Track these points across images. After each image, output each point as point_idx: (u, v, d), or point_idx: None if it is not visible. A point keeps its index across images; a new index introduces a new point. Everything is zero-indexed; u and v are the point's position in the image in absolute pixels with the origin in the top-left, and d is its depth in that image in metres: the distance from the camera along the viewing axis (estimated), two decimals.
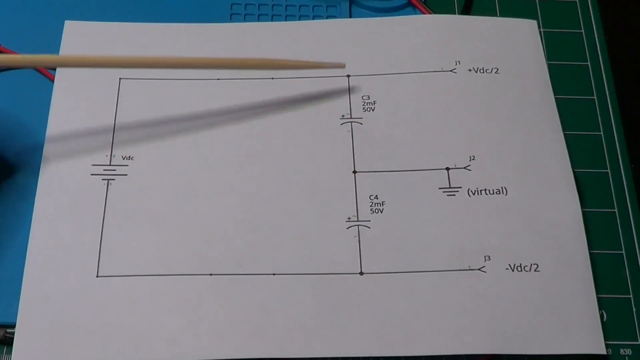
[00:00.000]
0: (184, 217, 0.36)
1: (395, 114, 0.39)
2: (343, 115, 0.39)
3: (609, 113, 0.41)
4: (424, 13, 0.43)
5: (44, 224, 0.36)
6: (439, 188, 0.37)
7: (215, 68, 0.39)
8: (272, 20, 0.43)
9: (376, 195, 0.37)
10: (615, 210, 0.39)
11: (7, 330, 0.34)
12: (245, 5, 0.44)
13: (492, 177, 0.37)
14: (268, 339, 0.33)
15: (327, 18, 0.43)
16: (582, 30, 0.44)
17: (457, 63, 0.41)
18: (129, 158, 0.38)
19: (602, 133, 0.41)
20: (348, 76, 0.40)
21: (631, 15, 0.46)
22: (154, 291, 0.34)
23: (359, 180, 0.37)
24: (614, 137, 0.41)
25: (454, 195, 0.37)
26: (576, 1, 0.45)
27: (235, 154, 0.38)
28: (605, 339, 0.34)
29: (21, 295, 0.34)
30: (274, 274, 0.35)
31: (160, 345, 0.33)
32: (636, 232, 0.38)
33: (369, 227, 0.36)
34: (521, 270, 0.35)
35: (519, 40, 0.42)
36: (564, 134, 0.39)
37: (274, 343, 0.33)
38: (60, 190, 0.37)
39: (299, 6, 0.44)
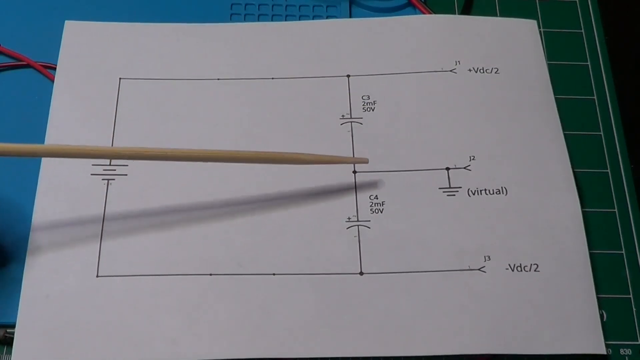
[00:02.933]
0: (184, 217, 0.36)
1: (395, 114, 0.39)
2: (343, 115, 0.39)
3: (609, 113, 0.41)
4: (424, 13, 0.43)
5: (44, 224, 0.36)
6: (439, 188, 0.37)
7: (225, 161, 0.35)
8: (272, 20, 0.43)
9: (376, 195, 0.37)
10: (615, 210, 0.39)
11: (7, 330, 0.34)
12: (245, 5, 0.44)
13: (492, 177, 0.37)
14: (268, 339, 0.33)
15: (327, 18, 0.43)
16: (582, 30, 0.44)
17: (457, 63, 0.41)
18: None
19: (602, 133, 0.41)
20: (348, 76, 0.40)
21: (631, 15, 0.46)
22: (154, 291, 0.34)
23: (359, 180, 0.37)
24: (614, 137, 0.41)
25: (454, 195, 0.37)
26: (576, 1, 0.45)
27: None
28: (605, 339, 0.34)
29: (21, 295, 0.34)
30: (274, 274, 0.35)
31: (160, 345, 0.33)
32: (636, 232, 0.38)
33: (369, 227, 0.36)
34: (521, 270, 0.35)
35: (519, 40, 0.42)
36: (564, 134, 0.39)
37: (273, 343, 0.33)
38: (60, 190, 0.37)
39: (299, 6, 0.44)
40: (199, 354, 0.33)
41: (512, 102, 0.39)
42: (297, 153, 0.36)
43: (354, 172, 0.38)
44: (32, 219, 0.36)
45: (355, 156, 0.38)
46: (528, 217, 0.36)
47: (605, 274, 0.37)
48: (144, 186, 0.37)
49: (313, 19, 0.43)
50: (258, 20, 0.43)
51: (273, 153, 0.36)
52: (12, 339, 0.33)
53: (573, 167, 0.38)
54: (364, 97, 0.40)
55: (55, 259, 0.35)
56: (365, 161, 0.37)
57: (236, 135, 0.38)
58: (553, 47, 0.43)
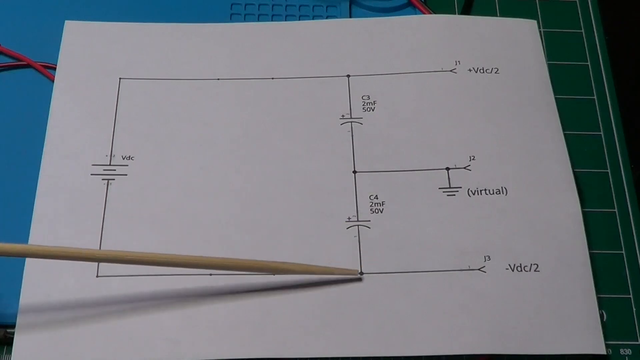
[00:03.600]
0: (184, 217, 0.36)
1: (395, 114, 0.39)
2: (343, 115, 0.39)
3: (609, 113, 0.41)
4: (424, 13, 0.43)
5: (44, 224, 0.36)
6: (439, 188, 0.37)
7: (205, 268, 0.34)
8: (272, 20, 0.43)
9: (376, 195, 0.37)
10: (615, 210, 0.39)
11: (7, 330, 0.34)
12: (245, 5, 0.44)
13: (492, 177, 0.37)
14: (268, 339, 0.33)
15: (327, 18, 0.43)
16: (582, 30, 0.44)
17: (457, 63, 0.41)
18: (129, 158, 0.38)
19: (602, 133, 0.41)
20: (348, 76, 0.40)
21: (631, 15, 0.46)
22: (154, 291, 0.34)
23: (359, 180, 0.37)
24: (614, 137, 0.41)
25: (454, 195, 0.37)
26: (576, 1, 0.45)
27: (235, 154, 0.38)
28: (605, 339, 0.34)
29: (21, 295, 0.34)
30: (273, 274, 0.35)
31: (160, 345, 0.33)
32: (636, 232, 0.38)
33: (369, 227, 0.36)
34: (521, 270, 0.35)
35: (519, 40, 0.42)
36: (564, 134, 0.39)
37: (273, 343, 0.33)
38: (60, 190, 0.37)
39: (299, 6, 0.44)
40: (199, 354, 0.33)
41: (512, 102, 0.39)
42: (285, 263, 0.34)
43: (354, 172, 0.38)
44: (32, 219, 0.36)
45: (355, 156, 0.38)
46: (528, 217, 0.36)
47: (605, 274, 0.37)
48: (144, 186, 0.37)
49: (313, 19, 0.43)
50: (258, 20, 0.43)
51: (260, 262, 0.34)
52: (12, 339, 0.33)
53: (573, 167, 0.38)
54: (364, 97, 0.40)
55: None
56: (355, 273, 0.35)
57: (236, 135, 0.38)
58: (553, 47, 0.43)
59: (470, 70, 0.40)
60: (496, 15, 0.44)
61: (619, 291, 0.36)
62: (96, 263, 0.35)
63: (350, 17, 0.43)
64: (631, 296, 0.36)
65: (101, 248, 0.35)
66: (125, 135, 0.38)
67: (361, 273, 0.35)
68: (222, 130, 0.39)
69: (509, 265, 0.35)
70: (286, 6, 0.44)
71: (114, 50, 0.41)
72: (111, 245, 0.35)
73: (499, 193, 0.37)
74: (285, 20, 0.43)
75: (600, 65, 0.43)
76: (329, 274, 0.35)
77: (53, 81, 0.40)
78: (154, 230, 0.36)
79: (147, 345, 0.33)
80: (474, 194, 0.37)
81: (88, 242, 0.35)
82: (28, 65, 0.41)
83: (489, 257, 0.35)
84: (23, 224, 0.36)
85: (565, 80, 0.42)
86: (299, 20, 0.43)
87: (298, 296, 0.34)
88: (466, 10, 0.44)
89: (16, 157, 0.38)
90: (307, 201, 0.37)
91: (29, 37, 0.42)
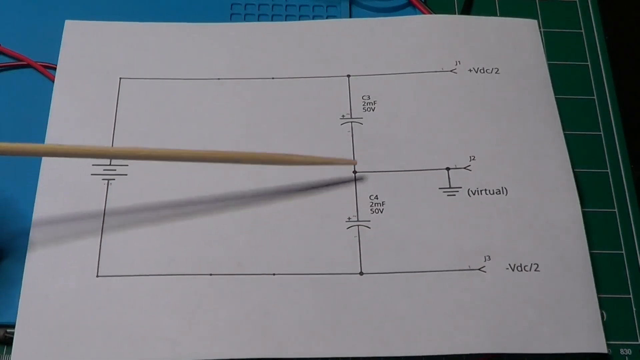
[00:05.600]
0: (183, 217, 0.36)
1: (396, 114, 0.39)
2: (343, 115, 0.39)
3: (609, 113, 0.41)
4: (424, 13, 0.43)
5: (44, 224, 0.36)
6: (439, 188, 0.37)
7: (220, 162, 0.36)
8: (272, 20, 0.43)
9: (376, 195, 0.37)
10: (615, 210, 0.39)
11: (7, 330, 0.34)
12: (245, 5, 0.44)
13: (492, 177, 0.37)
14: (268, 339, 0.33)
15: (327, 18, 0.43)
16: (582, 30, 0.44)
17: (457, 63, 0.41)
18: None
19: (602, 133, 0.41)
20: (348, 76, 0.40)
21: (631, 15, 0.46)
22: (154, 291, 0.34)
23: (359, 180, 0.37)
24: (614, 137, 0.41)
25: (454, 195, 0.37)
26: (576, 1, 0.45)
27: None
28: (606, 338, 0.34)
29: (21, 295, 0.34)
30: (274, 274, 0.35)
31: (160, 345, 0.33)
32: (636, 232, 0.38)
33: (369, 227, 0.36)
34: (521, 270, 0.35)
35: (519, 40, 0.42)
36: (564, 134, 0.39)
37: (273, 343, 0.33)
38: (60, 190, 0.37)
39: (299, 6, 0.44)
40: (199, 354, 0.33)
41: (512, 102, 0.39)
42: (286, 154, 0.36)
43: (354, 172, 0.38)
44: (32, 219, 0.36)
45: (355, 156, 0.38)
46: (528, 217, 0.36)
47: (605, 274, 0.37)
48: (144, 186, 0.37)
49: (313, 19, 0.43)
50: (258, 20, 0.43)
51: (262, 154, 0.36)
52: (12, 339, 0.33)
53: (573, 167, 0.38)
54: (364, 97, 0.40)
55: (55, 259, 0.35)
56: (354, 162, 0.37)
57: (236, 135, 0.38)
58: (553, 47, 0.43)
59: (470, 70, 0.40)
60: (496, 15, 0.44)
61: (619, 291, 0.36)
62: (96, 262, 0.35)
63: (350, 17, 0.43)
64: (631, 296, 0.36)
65: (101, 248, 0.35)
66: (126, 135, 0.38)
67: (361, 273, 0.35)
68: (223, 130, 0.39)
69: (509, 265, 0.35)
70: (286, 6, 0.44)
71: (114, 49, 0.41)
72: (111, 244, 0.35)
73: (499, 193, 0.37)
74: (285, 20, 0.43)
75: (600, 65, 0.43)
76: (328, 164, 0.37)
77: (53, 81, 0.40)
78: (154, 230, 0.36)
79: (146, 345, 0.33)
80: (474, 194, 0.37)
81: (88, 242, 0.35)
82: (28, 65, 0.41)
83: (489, 257, 0.35)
84: (23, 224, 0.36)
85: (565, 80, 0.42)
86: (299, 20, 0.43)
87: (298, 296, 0.34)
88: (466, 10, 0.44)
89: (16, 157, 0.38)
90: (307, 201, 0.37)
91: (29, 37, 0.42)
